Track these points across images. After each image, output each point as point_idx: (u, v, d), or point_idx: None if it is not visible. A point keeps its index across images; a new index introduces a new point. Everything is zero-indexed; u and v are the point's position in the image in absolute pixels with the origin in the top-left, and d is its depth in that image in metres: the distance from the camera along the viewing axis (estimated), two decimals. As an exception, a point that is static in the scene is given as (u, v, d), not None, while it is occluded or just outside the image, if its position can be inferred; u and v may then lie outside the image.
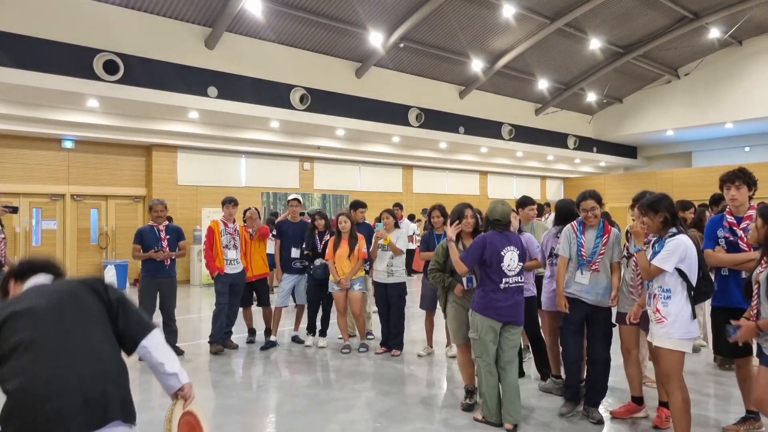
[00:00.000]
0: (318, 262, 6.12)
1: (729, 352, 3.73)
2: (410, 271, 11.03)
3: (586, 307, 3.89)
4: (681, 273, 3.16)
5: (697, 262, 3.23)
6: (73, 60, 9.05)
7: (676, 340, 3.17)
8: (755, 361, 3.27)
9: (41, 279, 2.04)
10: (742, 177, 3.63)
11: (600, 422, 3.85)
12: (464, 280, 4.24)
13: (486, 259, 3.86)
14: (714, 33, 14.92)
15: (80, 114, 10.38)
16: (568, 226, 4.07)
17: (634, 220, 3.92)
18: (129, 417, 1.84)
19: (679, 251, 3.15)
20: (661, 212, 3.28)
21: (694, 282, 3.20)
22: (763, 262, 3.07)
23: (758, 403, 3.09)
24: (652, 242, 3.46)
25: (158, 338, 1.99)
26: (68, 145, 11.37)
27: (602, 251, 3.89)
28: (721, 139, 19.36)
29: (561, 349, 4.10)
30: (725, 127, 17.56)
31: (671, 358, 3.20)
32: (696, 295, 3.24)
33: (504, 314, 3.86)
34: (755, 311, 3.03)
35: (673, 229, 3.27)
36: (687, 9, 14.12)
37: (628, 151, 21.23)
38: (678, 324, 3.14)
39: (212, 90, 10.65)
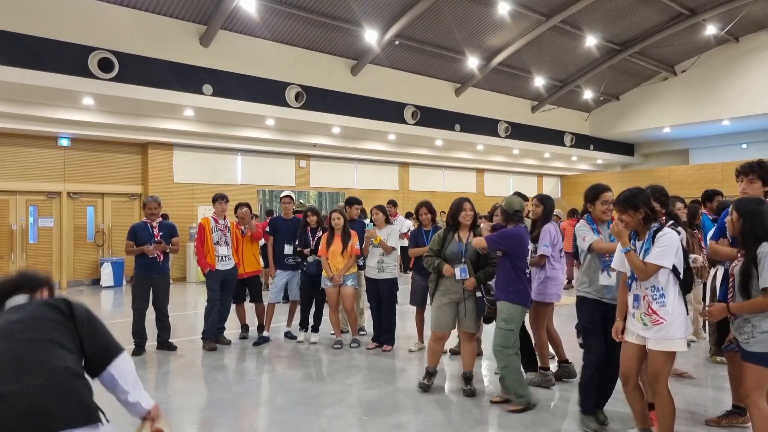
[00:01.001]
0: (311, 258, 6.15)
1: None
2: (408, 267, 11.06)
3: (604, 305, 3.71)
4: (673, 268, 3.06)
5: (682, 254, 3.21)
6: (68, 58, 9.07)
7: (678, 339, 3.04)
8: None
9: (19, 300, 1.94)
10: (757, 171, 3.51)
11: (604, 423, 3.67)
12: (458, 270, 4.32)
13: (515, 251, 4.05)
14: (710, 30, 14.93)
15: (76, 112, 10.41)
16: (579, 223, 3.88)
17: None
18: (88, 419, 1.72)
19: (674, 246, 3.03)
20: (641, 208, 3.13)
21: (681, 275, 3.13)
22: (738, 255, 3.08)
23: (744, 398, 3.08)
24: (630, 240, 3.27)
25: (126, 364, 1.93)
26: (64, 142, 11.40)
27: None
28: (718, 136, 19.37)
29: (585, 354, 3.77)
30: (722, 124, 17.58)
31: (667, 359, 3.07)
32: (683, 288, 3.18)
33: (531, 301, 4.21)
34: (730, 303, 3.07)
35: (656, 224, 3.18)
36: (683, 5, 14.13)
37: (625, 148, 21.25)
38: (677, 323, 3.02)
39: (207, 88, 10.68)
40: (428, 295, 4.64)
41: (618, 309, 3.33)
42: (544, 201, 4.74)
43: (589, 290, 3.71)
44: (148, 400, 2.00)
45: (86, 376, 1.82)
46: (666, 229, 3.13)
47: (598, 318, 3.69)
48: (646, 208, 3.13)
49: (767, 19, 15.39)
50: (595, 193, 3.79)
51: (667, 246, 3.03)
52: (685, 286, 3.23)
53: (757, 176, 3.51)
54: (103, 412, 1.82)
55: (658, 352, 3.06)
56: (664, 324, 3.02)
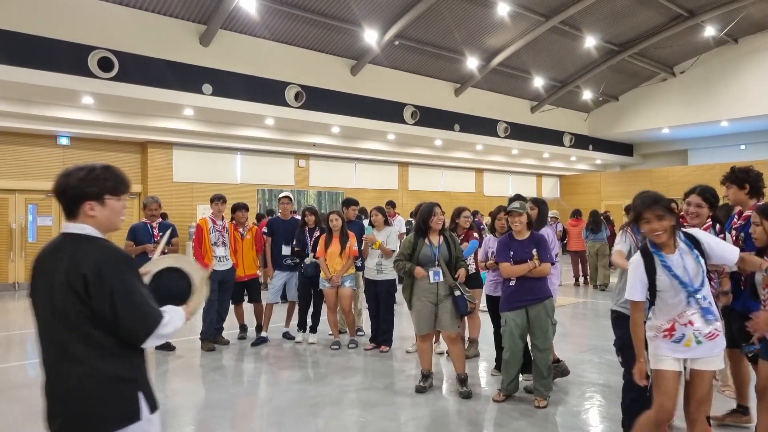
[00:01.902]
0: (308, 260, 6.17)
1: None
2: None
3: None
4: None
5: None
6: (67, 57, 9.08)
7: (722, 353, 2.76)
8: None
9: (69, 228, 1.83)
10: (730, 177, 3.54)
11: None
12: (431, 273, 4.40)
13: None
14: (709, 31, 14.96)
15: (75, 111, 10.42)
16: (626, 231, 3.57)
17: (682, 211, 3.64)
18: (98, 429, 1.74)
19: None
20: (672, 213, 2.72)
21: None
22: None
23: (763, 391, 3.01)
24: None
25: (161, 333, 1.80)
26: (63, 141, 11.41)
27: None
28: (717, 137, 19.41)
29: (627, 373, 3.46)
30: (721, 125, 17.61)
31: (713, 379, 2.75)
32: None
33: None
34: None
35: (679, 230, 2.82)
36: (682, 7, 14.14)
37: (624, 148, 21.28)
38: (722, 333, 2.72)
39: (207, 87, 10.69)
40: (405, 301, 4.66)
41: (636, 348, 2.76)
42: (539, 204, 4.74)
43: (627, 306, 3.35)
44: (178, 319, 1.89)
45: (114, 361, 1.77)
46: (691, 228, 2.89)
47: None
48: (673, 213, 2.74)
49: (766, 21, 15.42)
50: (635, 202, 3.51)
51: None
52: None
53: (731, 182, 3.53)
54: (149, 399, 1.82)
55: (708, 373, 2.66)
56: (719, 336, 2.66)
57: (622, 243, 3.47)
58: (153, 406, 1.84)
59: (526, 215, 4.21)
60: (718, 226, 3.58)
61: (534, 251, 4.12)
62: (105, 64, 9.32)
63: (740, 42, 16.43)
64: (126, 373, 1.79)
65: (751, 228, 3.10)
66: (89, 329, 1.72)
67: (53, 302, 1.74)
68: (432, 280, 4.41)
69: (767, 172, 3.86)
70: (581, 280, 11.55)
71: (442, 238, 4.56)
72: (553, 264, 4.23)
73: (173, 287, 2.09)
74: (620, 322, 3.44)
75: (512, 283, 4.20)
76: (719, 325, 2.72)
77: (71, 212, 1.83)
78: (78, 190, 1.82)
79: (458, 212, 5.66)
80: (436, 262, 4.44)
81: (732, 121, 17.05)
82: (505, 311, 4.25)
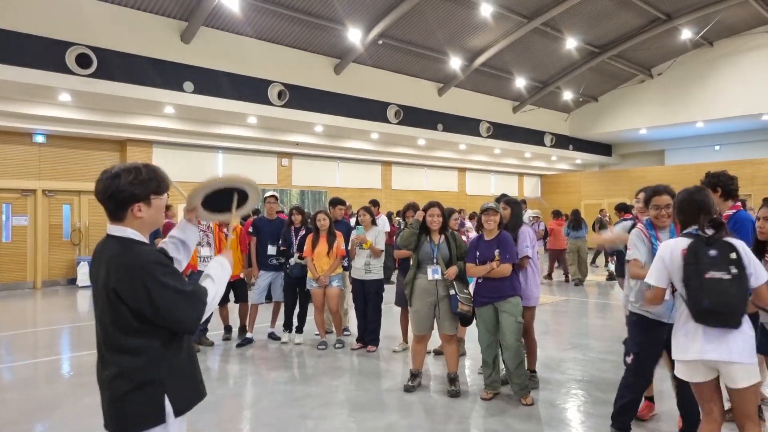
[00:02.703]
0: (292, 260, 6.13)
1: None
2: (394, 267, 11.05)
3: (666, 327, 3.10)
4: None
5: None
6: (44, 53, 8.86)
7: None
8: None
9: (111, 230, 1.85)
10: (703, 183, 3.64)
11: None
12: (430, 270, 4.43)
13: (515, 252, 4.33)
14: (686, 34, 15.32)
15: (52, 108, 10.17)
16: (635, 229, 3.41)
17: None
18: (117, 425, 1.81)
19: None
20: None
21: None
22: None
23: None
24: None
25: (211, 308, 1.88)
26: (39, 139, 11.13)
27: None
28: (693, 138, 19.90)
29: (633, 376, 3.37)
30: (696, 126, 18.05)
31: None
32: None
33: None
34: None
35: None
36: (660, 10, 14.45)
37: (603, 149, 21.67)
38: None
39: (188, 85, 10.54)
40: (406, 299, 4.67)
41: None
42: (511, 205, 4.68)
43: (647, 309, 3.23)
44: (221, 269, 2.00)
45: (147, 364, 1.81)
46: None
47: (657, 341, 3.22)
48: None
49: (740, 25, 15.85)
50: (646, 196, 3.44)
51: None
52: None
53: (705, 186, 3.61)
54: (177, 401, 1.84)
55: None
56: None
57: (635, 250, 3.23)
58: (180, 409, 1.86)
59: (500, 215, 4.31)
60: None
61: (496, 252, 4.18)
62: (83, 61, 9.12)
63: (715, 45, 16.86)
64: (152, 376, 1.81)
65: (759, 222, 3.23)
66: (118, 335, 1.79)
67: (97, 306, 1.87)
68: (430, 277, 4.44)
69: (740, 172, 3.98)
70: (563, 277, 11.73)
71: (443, 237, 4.56)
72: (515, 264, 4.26)
73: (225, 202, 2.17)
74: (642, 325, 3.29)
75: (480, 280, 4.35)
76: None
77: (118, 215, 1.85)
78: (127, 193, 1.82)
79: (448, 214, 5.67)
80: (435, 260, 4.46)
81: (707, 122, 17.49)
82: (476, 306, 4.41)
